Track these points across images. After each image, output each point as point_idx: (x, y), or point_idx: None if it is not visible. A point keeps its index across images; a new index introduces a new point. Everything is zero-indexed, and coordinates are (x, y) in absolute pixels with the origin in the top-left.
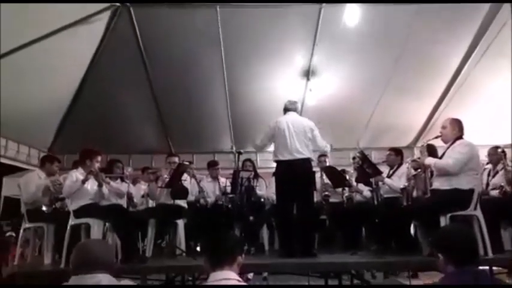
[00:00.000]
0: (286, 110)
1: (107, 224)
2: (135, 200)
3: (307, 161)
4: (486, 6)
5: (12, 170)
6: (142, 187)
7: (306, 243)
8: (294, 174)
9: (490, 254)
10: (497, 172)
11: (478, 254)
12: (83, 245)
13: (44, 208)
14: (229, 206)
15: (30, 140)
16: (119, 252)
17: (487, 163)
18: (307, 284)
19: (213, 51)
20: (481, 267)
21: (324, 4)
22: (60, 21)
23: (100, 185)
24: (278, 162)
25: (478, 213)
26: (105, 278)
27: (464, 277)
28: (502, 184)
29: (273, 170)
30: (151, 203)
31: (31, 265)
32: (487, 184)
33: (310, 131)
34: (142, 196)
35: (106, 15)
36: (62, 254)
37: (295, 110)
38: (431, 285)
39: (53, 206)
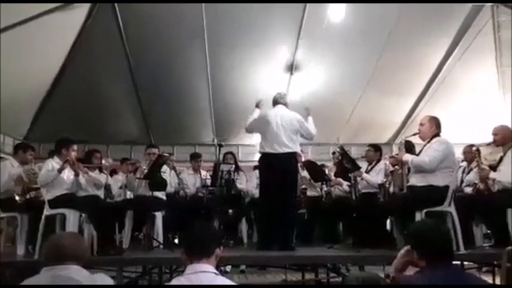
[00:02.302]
0: (275, 102)
1: (83, 215)
2: (113, 192)
3: (293, 155)
4: (468, 5)
5: None
6: (120, 178)
7: (284, 236)
8: (279, 167)
9: (462, 249)
10: (471, 169)
11: (451, 249)
12: (54, 238)
13: (16, 197)
14: (209, 198)
15: (5, 128)
16: (95, 243)
17: (462, 161)
18: (284, 277)
19: (196, 42)
20: (453, 262)
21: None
22: (38, 7)
23: (76, 174)
24: (264, 154)
25: (452, 209)
26: (76, 270)
27: (436, 272)
28: (476, 181)
29: (254, 163)
30: (129, 194)
31: (4, 256)
32: (461, 181)
33: (298, 124)
34: (120, 187)
35: (87, 3)
36: (35, 245)
37: (284, 103)
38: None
39: (27, 196)
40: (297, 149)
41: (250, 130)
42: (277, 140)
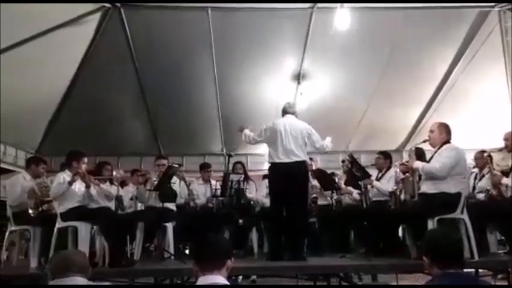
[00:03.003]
0: (284, 112)
1: (95, 227)
2: (124, 203)
3: (303, 164)
4: (474, 11)
5: None
6: (131, 189)
7: (295, 246)
8: (289, 176)
9: (476, 257)
10: (483, 176)
11: (462, 256)
12: (59, 254)
13: (30, 211)
14: (219, 208)
15: (17, 142)
16: (106, 255)
17: (474, 167)
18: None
19: (204, 53)
20: (467, 270)
21: (315, 8)
22: (49, 22)
23: (87, 187)
24: (273, 164)
25: (465, 216)
26: (82, 282)
27: (448, 279)
28: (488, 188)
29: (263, 172)
30: (140, 206)
31: (17, 268)
32: (474, 188)
33: (308, 135)
34: (131, 199)
35: (97, 16)
36: (48, 257)
37: (293, 113)
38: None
39: (39, 209)
40: (306, 158)
41: (253, 139)
42: (286, 149)
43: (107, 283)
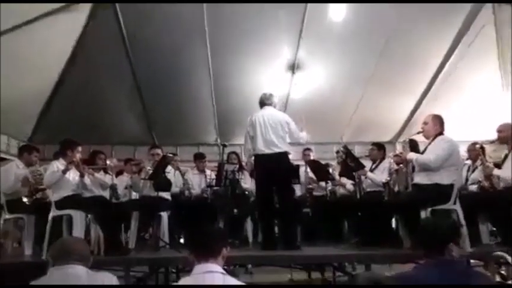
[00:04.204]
0: (262, 104)
1: (89, 215)
2: (118, 192)
3: (284, 154)
4: (469, 3)
5: None
6: (125, 178)
7: (288, 235)
8: (271, 167)
9: (468, 248)
10: (476, 167)
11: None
12: (62, 240)
13: (24, 199)
14: (214, 198)
15: (10, 130)
16: (101, 243)
17: (467, 159)
18: (290, 276)
19: (198, 42)
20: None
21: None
22: (40, 9)
23: (82, 175)
24: (256, 156)
25: (457, 207)
26: (82, 270)
27: (429, 267)
28: (480, 179)
29: None
30: (135, 195)
31: (11, 256)
32: (466, 179)
33: (286, 125)
34: (125, 188)
35: (89, 4)
36: (42, 245)
37: (271, 104)
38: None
39: (33, 197)
40: (288, 148)
41: (250, 147)
42: (266, 141)
43: (106, 273)
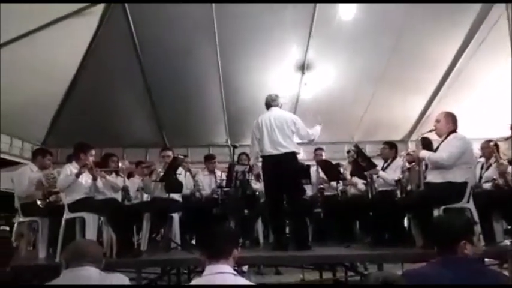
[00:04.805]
0: (268, 106)
1: (102, 218)
2: (130, 194)
3: (292, 154)
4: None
5: (5, 164)
6: (137, 181)
7: (299, 235)
8: (279, 168)
9: (482, 246)
10: (490, 165)
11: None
12: (76, 243)
13: (38, 202)
14: (224, 199)
15: (24, 134)
16: (113, 245)
17: (480, 156)
18: (301, 276)
19: (208, 44)
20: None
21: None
22: (53, 14)
23: (94, 179)
24: (263, 157)
25: (471, 205)
26: (95, 272)
27: (442, 265)
28: (495, 177)
29: None
30: (146, 197)
31: (25, 259)
32: (480, 177)
33: (293, 124)
34: (137, 190)
35: (100, 8)
36: (56, 248)
37: (277, 105)
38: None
39: (47, 200)
40: (295, 148)
41: (256, 149)
42: (273, 142)
43: (118, 274)
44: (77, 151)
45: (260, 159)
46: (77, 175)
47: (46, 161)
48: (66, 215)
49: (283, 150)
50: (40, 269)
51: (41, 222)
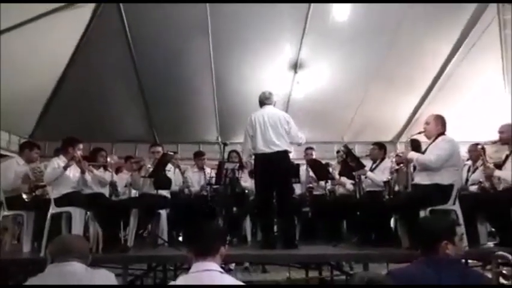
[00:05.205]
0: (262, 103)
1: (88, 213)
2: (118, 189)
3: (284, 153)
4: (473, 4)
5: None
6: (125, 176)
7: (287, 234)
8: (271, 166)
9: (467, 248)
10: (476, 168)
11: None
12: (61, 237)
13: (24, 196)
14: (213, 196)
15: (11, 127)
16: (100, 241)
17: (467, 159)
18: (288, 275)
19: (201, 41)
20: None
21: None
22: (44, 6)
23: (83, 172)
24: (255, 155)
25: (457, 207)
26: (80, 267)
27: (424, 264)
28: (481, 180)
29: None
30: (134, 193)
31: (10, 253)
32: (467, 180)
33: (286, 123)
34: (125, 185)
35: (92, 4)
36: (41, 242)
37: (270, 103)
38: None
39: (33, 194)
40: (288, 147)
41: (249, 147)
42: (265, 140)
43: (103, 270)
44: (65, 145)
45: (253, 156)
46: (65, 168)
47: (33, 155)
48: (53, 209)
49: (276, 149)
50: (25, 262)
51: (27, 215)
